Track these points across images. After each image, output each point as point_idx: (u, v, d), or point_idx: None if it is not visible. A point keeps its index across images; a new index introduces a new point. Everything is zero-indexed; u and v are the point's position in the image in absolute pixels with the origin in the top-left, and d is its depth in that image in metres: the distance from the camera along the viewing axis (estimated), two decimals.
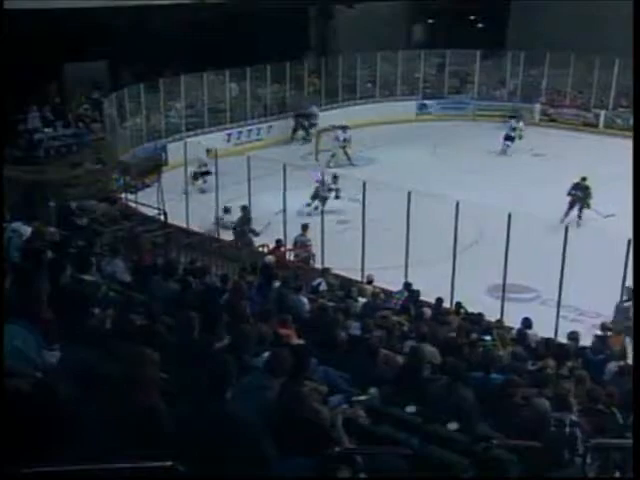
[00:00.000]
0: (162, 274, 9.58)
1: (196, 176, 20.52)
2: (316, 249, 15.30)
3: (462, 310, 12.02)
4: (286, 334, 7.73)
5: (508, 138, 24.84)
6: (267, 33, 24.68)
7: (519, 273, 14.07)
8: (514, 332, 11.11)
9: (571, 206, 18.24)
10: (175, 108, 24.69)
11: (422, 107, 29.73)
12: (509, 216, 12.48)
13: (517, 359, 9.34)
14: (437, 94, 30.33)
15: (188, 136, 22.99)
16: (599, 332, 11.08)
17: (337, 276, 13.59)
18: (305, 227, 15.92)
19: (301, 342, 7.47)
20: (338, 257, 14.16)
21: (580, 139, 26.38)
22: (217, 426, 3.79)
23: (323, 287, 12.57)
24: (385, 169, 22.13)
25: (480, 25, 34.12)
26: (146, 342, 4.99)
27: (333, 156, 23.29)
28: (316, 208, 18.13)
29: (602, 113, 28.42)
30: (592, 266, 13.49)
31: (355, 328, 9.04)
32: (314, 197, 18.58)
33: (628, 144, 22.02)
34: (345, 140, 23.37)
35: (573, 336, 10.64)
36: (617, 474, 6.70)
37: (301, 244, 15.64)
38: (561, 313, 12.31)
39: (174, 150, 21.77)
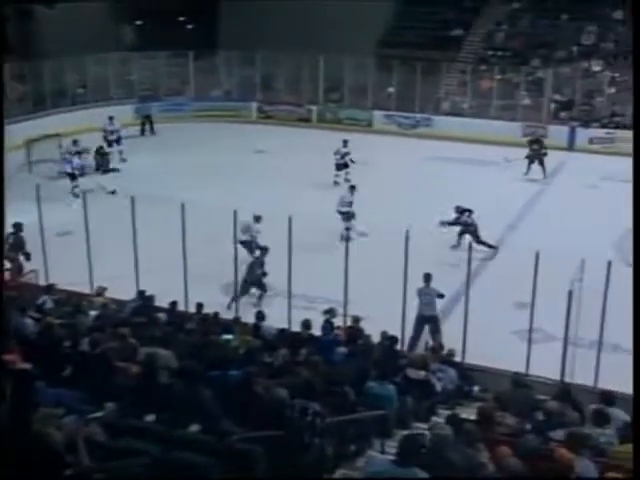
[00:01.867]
0: None
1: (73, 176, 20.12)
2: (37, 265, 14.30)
3: (200, 311, 12.01)
4: (10, 359, 7.23)
5: (341, 166, 21.53)
6: None
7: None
8: (250, 327, 11.34)
9: (249, 250, 15.01)
10: None
11: (139, 110, 29.09)
12: (234, 214, 12.65)
13: (254, 353, 9.53)
14: (154, 96, 29.98)
15: None
16: (327, 316, 11.61)
17: (64, 291, 12.93)
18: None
19: (27, 366, 7.03)
20: (63, 271, 13.43)
21: (296, 134, 27.59)
22: None
23: (49, 305, 11.89)
24: (109, 175, 21.95)
25: (190, 26, 34.36)
26: None
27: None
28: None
29: (314, 108, 30.00)
30: (313, 255, 14.18)
31: (86, 343, 8.67)
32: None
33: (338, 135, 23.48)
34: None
35: (306, 324, 11.06)
36: (353, 447, 7.12)
37: None
38: (294, 303, 12.71)
39: None
